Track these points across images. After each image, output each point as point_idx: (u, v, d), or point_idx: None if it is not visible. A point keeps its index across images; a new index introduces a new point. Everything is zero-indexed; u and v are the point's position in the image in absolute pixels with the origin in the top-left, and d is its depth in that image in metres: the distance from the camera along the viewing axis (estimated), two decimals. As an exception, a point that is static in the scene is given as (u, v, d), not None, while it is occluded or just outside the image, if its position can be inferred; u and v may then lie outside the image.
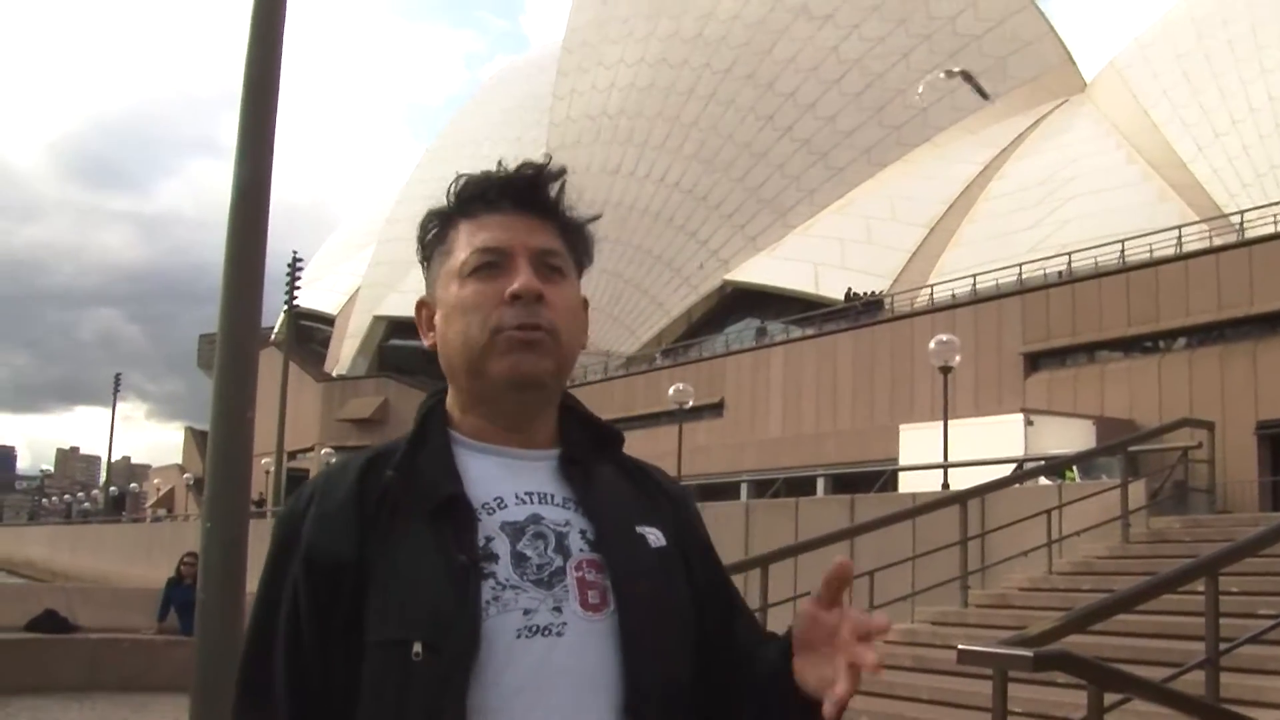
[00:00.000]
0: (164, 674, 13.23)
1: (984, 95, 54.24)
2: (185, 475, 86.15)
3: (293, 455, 60.08)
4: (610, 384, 54.16)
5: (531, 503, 1.84)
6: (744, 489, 34.08)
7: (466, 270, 1.88)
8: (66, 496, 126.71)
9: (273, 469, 47.95)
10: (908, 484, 26.45)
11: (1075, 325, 34.58)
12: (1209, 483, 19.05)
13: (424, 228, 1.99)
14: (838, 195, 58.72)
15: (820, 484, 33.83)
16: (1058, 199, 49.09)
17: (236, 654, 1.92)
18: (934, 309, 40.90)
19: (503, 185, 1.93)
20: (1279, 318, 29.76)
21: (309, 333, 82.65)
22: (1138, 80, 54.55)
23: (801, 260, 55.21)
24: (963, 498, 15.48)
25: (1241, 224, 37.50)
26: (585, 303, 2.01)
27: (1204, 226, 38.97)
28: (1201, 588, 9.02)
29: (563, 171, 1.97)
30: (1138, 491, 16.68)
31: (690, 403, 38.46)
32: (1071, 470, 21.84)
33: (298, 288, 55.06)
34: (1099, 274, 35.88)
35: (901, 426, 33.14)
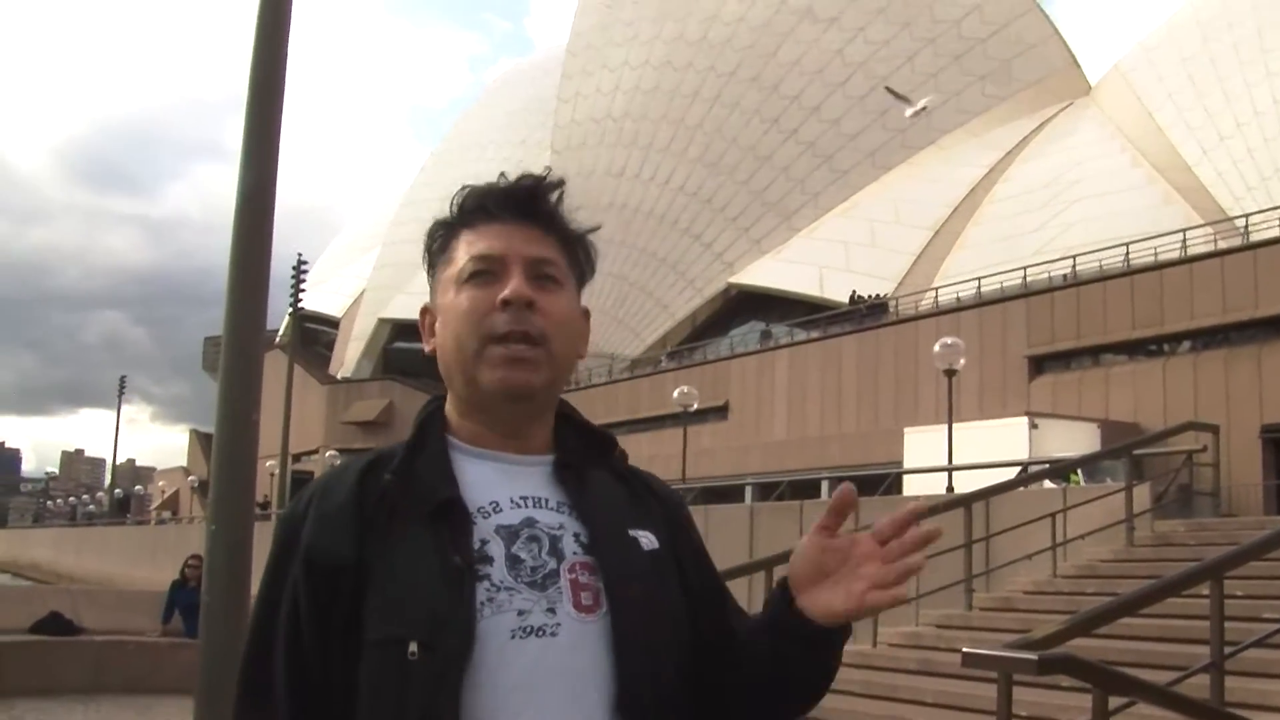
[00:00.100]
0: (169, 676, 13.22)
1: (909, 103, 54.24)
2: (190, 478, 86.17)
3: (297, 458, 60.15)
4: (615, 386, 54.17)
5: (526, 507, 1.87)
6: (748, 492, 34.11)
7: (463, 277, 1.93)
8: (71, 499, 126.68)
9: (277, 471, 47.98)
10: (912, 487, 26.47)
11: (1080, 328, 34.55)
12: (1214, 486, 19.06)
13: (430, 236, 2.03)
14: (842, 198, 58.70)
15: (825, 487, 33.84)
16: (1062, 202, 49.04)
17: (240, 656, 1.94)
18: (938, 312, 40.88)
19: (502, 196, 1.97)
20: (1284, 321, 29.76)
21: (314, 335, 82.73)
22: (1143, 83, 54.50)
23: (806, 263, 55.19)
24: (967, 501, 15.46)
25: (1246, 227, 37.46)
26: (586, 313, 2.04)
27: (1209, 230, 38.95)
28: (1206, 591, 9.01)
29: (562, 183, 2.01)
30: (1142, 495, 16.68)
31: (695, 405, 38.46)
32: (1076, 473, 21.84)
33: (303, 290, 55.09)
34: (1104, 277, 35.85)
35: (906, 429, 33.13)
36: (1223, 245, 35.75)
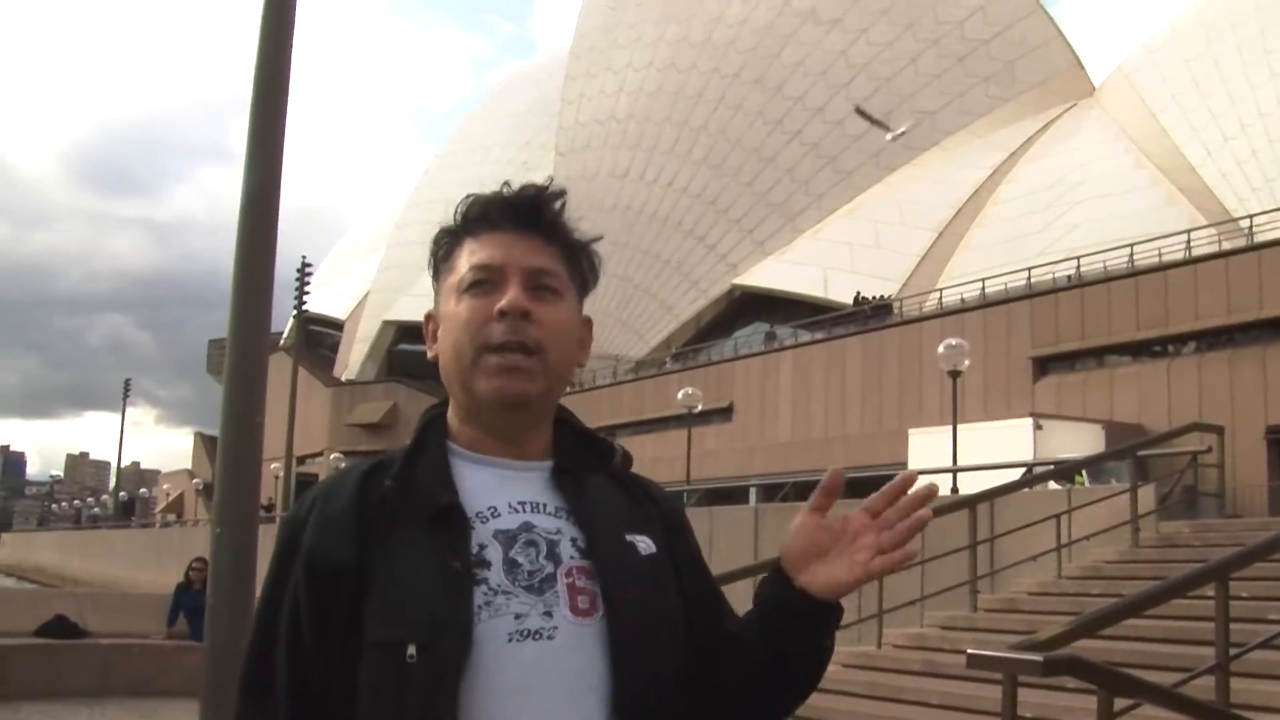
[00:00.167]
0: (174, 679, 13.23)
1: (886, 128, 54.24)
2: (194, 480, 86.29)
3: (302, 460, 60.14)
4: (619, 388, 54.16)
5: (524, 511, 1.90)
6: (753, 493, 34.14)
7: (463, 286, 1.96)
8: (76, 502, 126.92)
9: (282, 474, 48.03)
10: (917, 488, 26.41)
11: (1084, 329, 34.53)
12: (1219, 487, 19.04)
13: (436, 242, 2.06)
14: (846, 199, 58.66)
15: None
16: (1066, 203, 49.01)
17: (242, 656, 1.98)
18: (943, 313, 40.85)
19: (504, 205, 2.00)
20: (1289, 322, 29.74)
21: (318, 338, 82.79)
22: (1146, 84, 54.45)
23: (810, 264, 55.17)
24: (972, 502, 15.47)
25: (1251, 228, 37.41)
26: (588, 321, 2.08)
27: (1213, 231, 38.92)
28: (1211, 592, 9.00)
29: (564, 193, 2.03)
30: (1147, 496, 16.67)
31: (699, 407, 38.50)
32: (1080, 475, 21.82)
33: (307, 293, 55.18)
34: (1108, 278, 35.82)
35: (910, 431, 33.12)
36: (1227, 246, 35.71)
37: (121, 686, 13.93)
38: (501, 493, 1.91)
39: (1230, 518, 19.20)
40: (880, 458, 34.05)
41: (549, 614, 1.80)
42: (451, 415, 2.01)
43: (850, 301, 49.69)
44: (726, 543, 21.97)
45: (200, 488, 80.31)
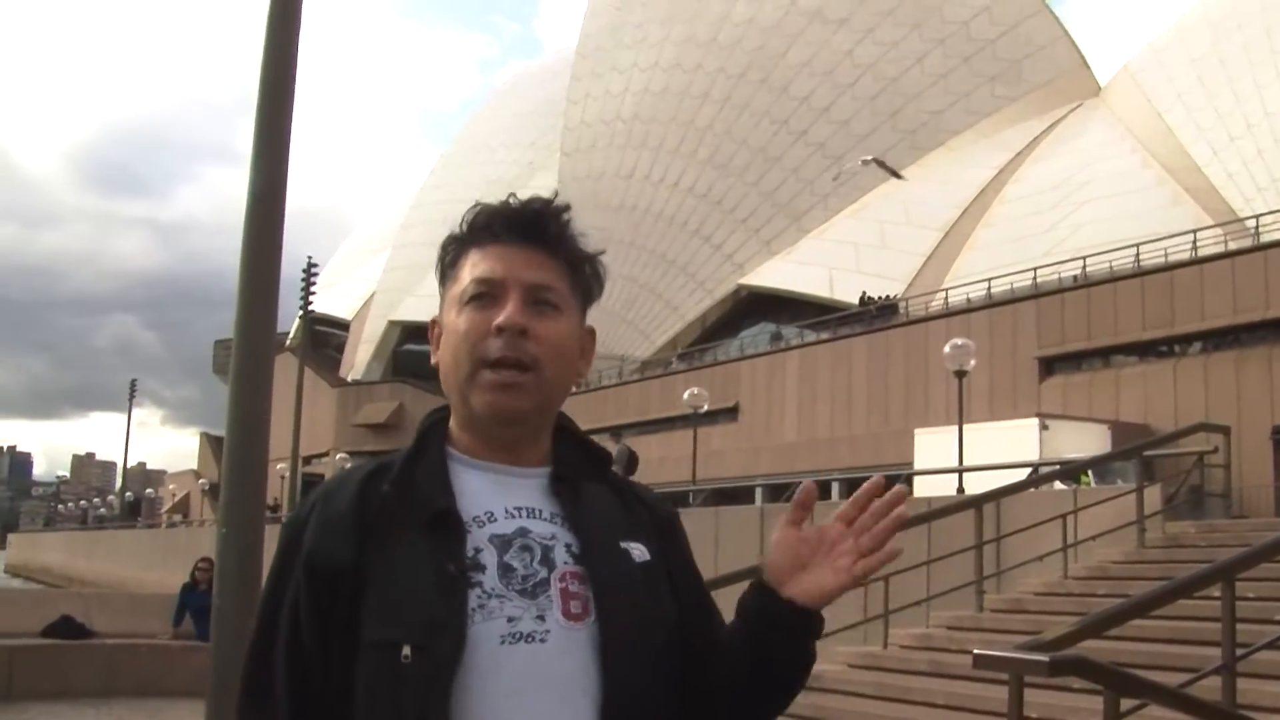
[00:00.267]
0: (180, 679, 13.25)
1: (896, 175, 54.25)
2: (200, 481, 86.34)
3: (308, 460, 60.20)
4: (625, 388, 54.16)
5: (520, 517, 1.94)
6: (759, 493, 34.09)
7: (465, 298, 1.99)
8: (82, 502, 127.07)
9: (288, 474, 48.01)
10: (923, 488, 26.39)
11: (1090, 329, 34.50)
12: (1225, 487, 19.03)
13: (443, 249, 2.08)
14: (852, 199, 58.57)
15: (835, 488, 33.84)
16: (1072, 203, 48.98)
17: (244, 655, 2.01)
18: (948, 313, 40.81)
19: (508, 219, 2.02)
20: (1295, 321, 29.70)
21: (324, 338, 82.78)
22: (1152, 84, 54.41)
23: (816, 264, 55.16)
24: (978, 502, 15.47)
25: (1257, 228, 37.38)
26: (591, 332, 2.11)
27: (1219, 231, 38.86)
28: (1218, 593, 8.99)
29: (568, 208, 2.06)
30: (1153, 496, 16.65)
31: (705, 407, 38.47)
32: (1087, 475, 21.80)
33: (313, 293, 55.10)
34: (1114, 278, 35.79)
35: (916, 431, 33.09)
36: (1233, 246, 35.66)
37: (128, 687, 13.96)
38: (498, 498, 1.95)
39: (1236, 518, 19.20)
40: (886, 458, 34.04)
41: (542, 618, 1.84)
42: (453, 421, 2.04)
43: (856, 301, 49.66)
44: (732, 543, 21.95)
45: (206, 488, 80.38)
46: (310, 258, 55.99)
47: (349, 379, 79.70)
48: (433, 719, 1.75)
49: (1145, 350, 33.89)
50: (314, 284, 55.25)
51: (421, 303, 70.95)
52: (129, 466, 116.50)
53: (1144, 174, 49.08)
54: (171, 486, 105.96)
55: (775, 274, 57.57)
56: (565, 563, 1.90)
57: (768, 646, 1.95)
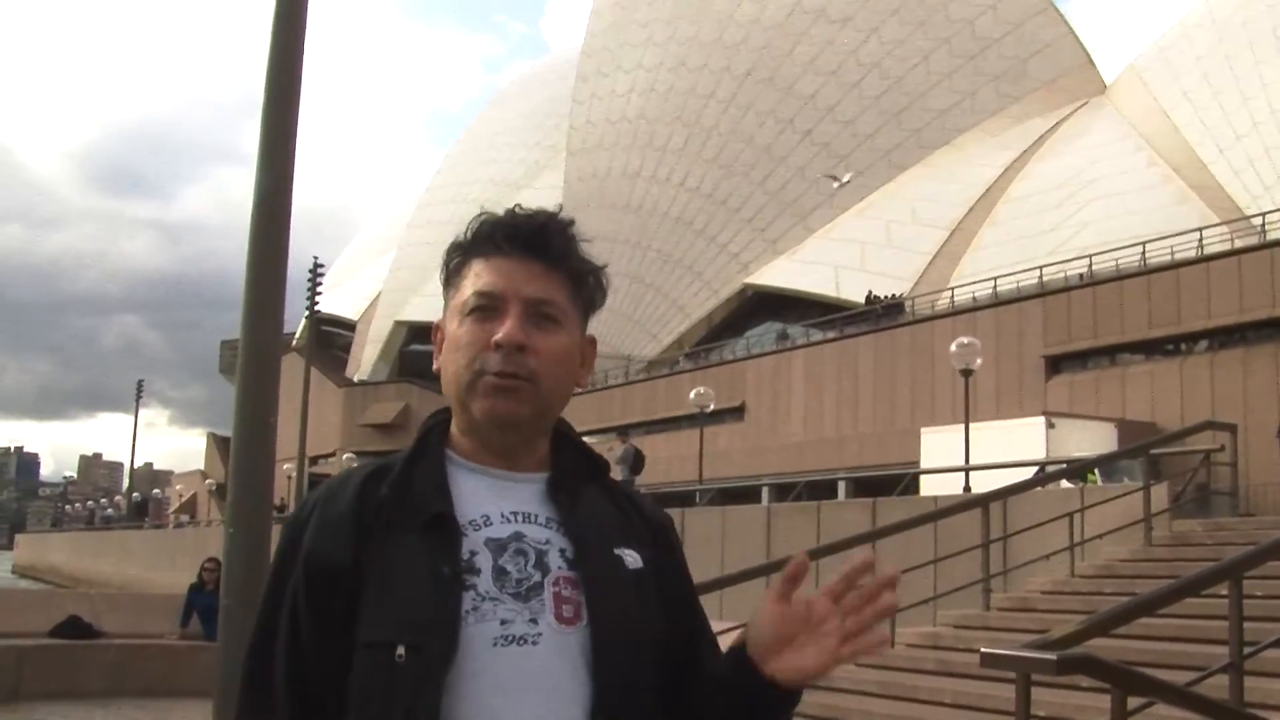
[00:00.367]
0: (187, 679, 13.24)
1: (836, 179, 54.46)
2: (207, 481, 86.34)
3: (315, 460, 60.30)
4: (631, 388, 54.19)
5: (516, 521, 1.96)
6: (765, 493, 34.07)
7: (466, 310, 2.00)
8: (90, 503, 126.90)
9: (295, 474, 48.08)
10: (929, 487, 26.43)
11: (1096, 328, 34.49)
12: (1232, 485, 18.98)
13: (448, 255, 2.09)
14: (857, 198, 58.61)
15: (841, 487, 33.82)
16: (1078, 201, 48.96)
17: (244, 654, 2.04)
18: (954, 312, 40.83)
19: (510, 231, 2.03)
20: (1301, 319, 29.68)
21: (330, 338, 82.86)
22: (1158, 82, 54.39)
23: (822, 263, 55.17)
24: (984, 501, 15.45)
25: (1263, 226, 37.38)
26: (591, 341, 2.12)
27: (1225, 229, 38.86)
28: (1225, 591, 8.98)
29: (571, 223, 2.07)
30: (1160, 494, 16.63)
31: (711, 406, 38.47)
32: (1093, 473, 21.79)
33: (319, 293, 55.14)
34: (1120, 276, 35.79)
35: (923, 430, 33.10)
36: (1239, 244, 35.67)
37: (135, 687, 13.96)
38: (495, 502, 1.97)
39: (1243, 516, 19.15)
40: (892, 457, 34.06)
41: (534, 621, 1.86)
42: (453, 424, 2.06)
43: (862, 300, 49.67)
44: (739, 542, 21.98)
45: (213, 488, 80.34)
46: (316, 258, 56.06)
47: (355, 379, 79.79)
48: (424, 717, 1.77)
49: (1151, 348, 33.89)
50: (320, 284, 55.28)
51: (427, 303, 70.91)
52: (136, 467, 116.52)
53: (1150, 172, 49.05)
54: (178, 487, 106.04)
55: (781, 273, 57.59)
56: (559, 567, 1.91)
57: (746, 714, 1.96)
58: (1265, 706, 8.72)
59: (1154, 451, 18.39)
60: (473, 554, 1.88)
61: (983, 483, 21.24)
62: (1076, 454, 24.65)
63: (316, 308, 55.76)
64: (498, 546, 1.91)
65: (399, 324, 78.39)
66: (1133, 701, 7.05)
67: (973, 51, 62.03)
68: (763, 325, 57.85)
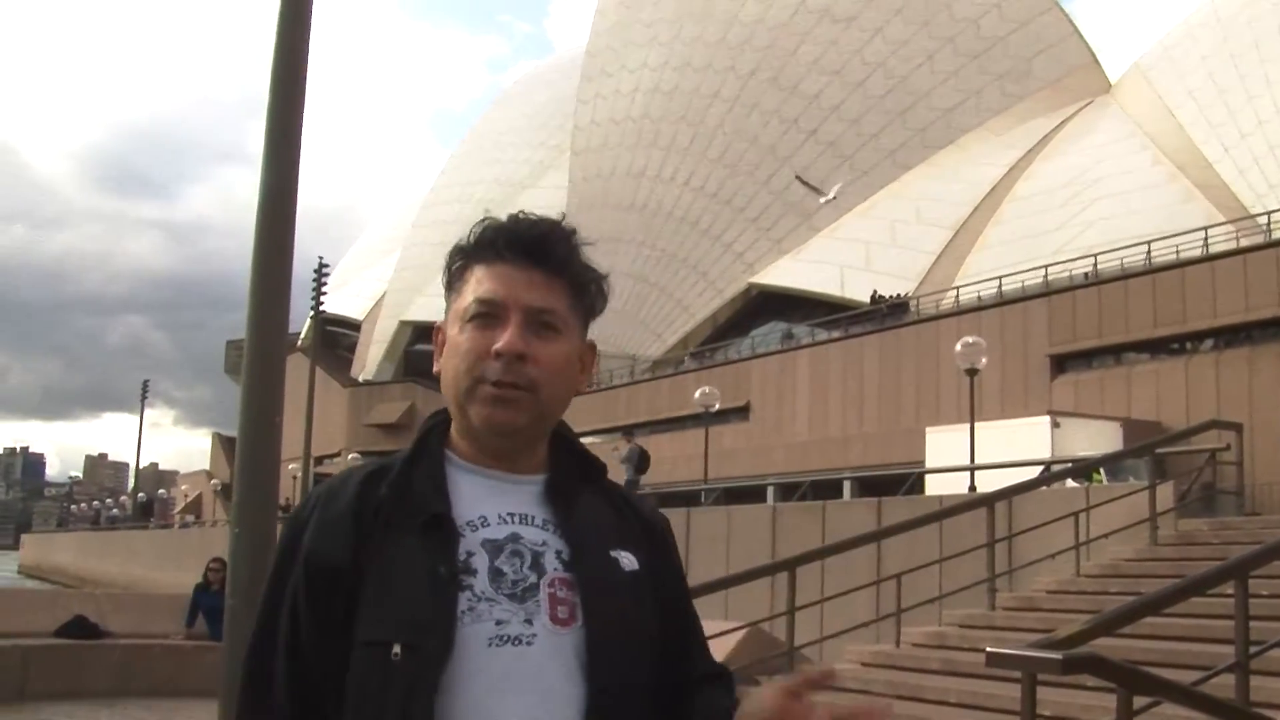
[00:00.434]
0: (193, 679, 13.26)
1: (821, 192, 54.51)
2: (213, 481, 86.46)
3: (320, 460, 60.26)
4: (636, 387, 54.17)
5: (513, 523, 1.98)
6: (770, 492, 34.07)
7: (467, 316, 2.02)
8: (95, 503, 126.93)
9: (300, 474, 48.11)
10: (934, 487, 26.41)
11: (1101, 327, 34.45)
12: (1237, 485, 18.95)
13: (450, 258, 2.10)
14: (862, 198, 58.58)
15: (847, 487, 33.83)
16: (1083, 200, 48.90)
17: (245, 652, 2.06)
18: (960, 311, 40.79)
19: (512, 238, 2.04)
20: (1307, 318, 29.64)
21: (335, 338, 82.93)
22: (1163, 81, 54.35)
23: (826, 263, 55.11)
24: (990, 500, 15.44)
25: (1269, 224, 37.34)
26: (592, 346, 2.14)
27: (1230, 227, 38.80)
28: (1231, 590, 8.98)
29: (573, 232, 2.08)
30: (1165, 494, 16.61)
31: (716, 406, 38.46)
32: (1099, 472, 21.78)
33: (324, 293, 55.20)
34: (1125, 275, 35.76)
35: (928, 429, 33.08)
36: (1245, 243, 35.61)
37: (141, 687, 13.97)
38: (492, 503, 1.99)
39: (1249, 515, 19.12)
40: (897, 456, 34.05)
41: (529, 621, 1.89)
42: (453, 426, 2.07)
43: (867, 300, 49.62)
44: (744, 542, 21.97)
45: (218, 488, 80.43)
46: (322, 258, 56.16)
47: (360, 379, 79.83)
48: (418, 714, 1.80)
49: (1157, 347, 33.85)
50: (325, 284, 55.37)
51: (432, 303, 70.80)
52: (141, 467, 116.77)
53: (1155, 171, 48.99)
54: (184, 487, 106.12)
55: (786, 273, 57.55)
56: (555, 569, 1.94)
57: None
58: (1271, 706, 8.70)
59: (1159, 451, 18.36)
60: (469, 554, 1.91)
61: (988, 482, 21.23)
62: (1082, 453, 24.63)
63: (322, 308, 55.85)
64: (494, 547, 1.93)
65: (404, 324, 78.38)
66: (1138, 701, 7.05)
67: (977, 50, 61.97)
68: (767, 325, 57.79)
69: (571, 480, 2.07)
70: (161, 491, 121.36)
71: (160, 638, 15.38)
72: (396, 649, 1.82)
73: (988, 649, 7.32)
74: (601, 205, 64.12)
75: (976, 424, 26.39)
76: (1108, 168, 50.26)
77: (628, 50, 71.12)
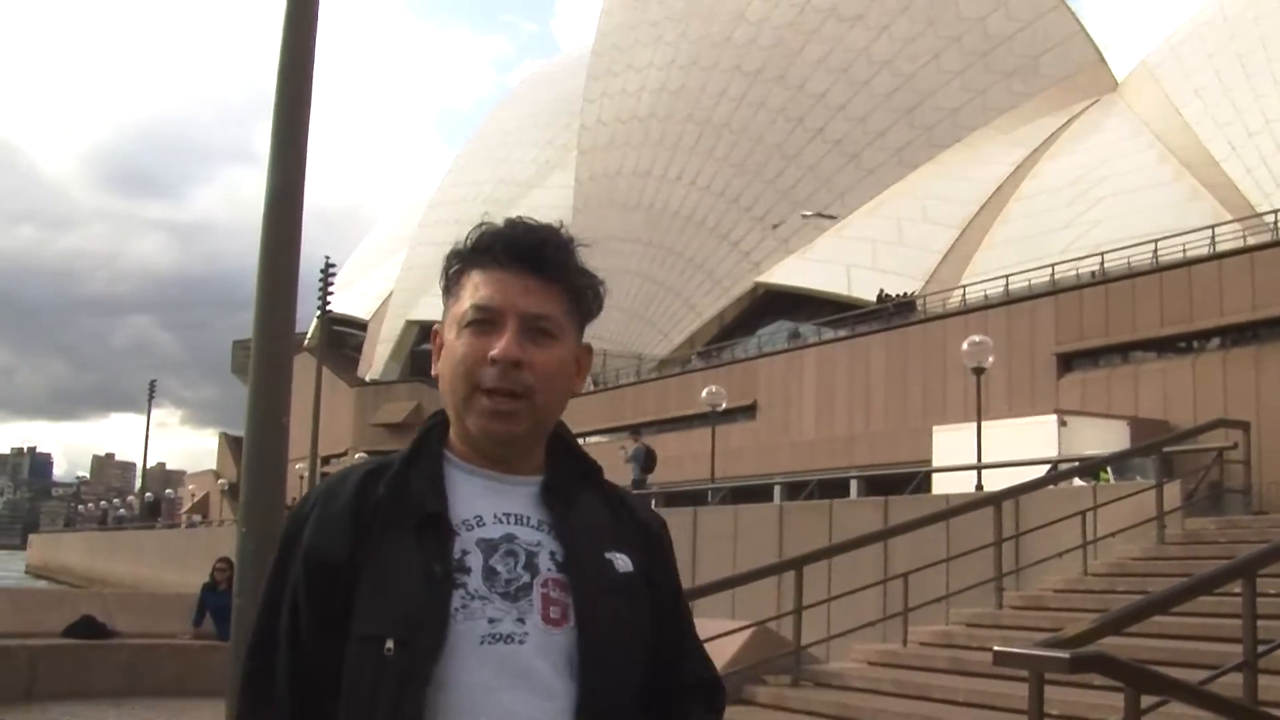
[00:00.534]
0: (201, 679, 13.27)
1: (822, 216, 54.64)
2: (220, 481, 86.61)
3: (327, 460, 60.27)
4: (643, 386, 54.16)
5: (508, 523, 2.02)
6: (777, 491, 34.04)
7: (464, 321, 2.05)
8: (102, 503, 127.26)
9: (307, 474, 48.12)
10: (941, 486, 26.37)
11: (1108, 325, 34.40)
12: (1244, 483, 18.93)
13: (447, 261, 2.13)
14: (869, 196, 58.53)
15: (853, 486, 33.77)
16: (1090, 199, 48.84)
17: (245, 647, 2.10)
18: (966, 310, 40.74)
19: (510, 244, 2.06)
20: (1314, 317, 29.57)
21: (342, 338, 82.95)
22: (1169, 79, 54.25)
23: (833, 262, 55.04)
24: (997, 499, 15.42)
25: (1276, 223, 37.26)
26: (588, 349, 2.17)
27: (1237, 226, 38.73)
28: (1238, 589, 8.96)
29: (571, 240, 2.10)
30: (1173, 492, 16.60)
31: (723, 405, 38.43)
32: (1106, 471, 21.74)
33: (331, 293, 55.23)
34: (1132, 274, 35.70)
35: (935, 428, 33.03)
36: (1252, 241, 35.56)
37: (149, 687, 13.99)
38: (489, 503, 2.02)
39: (1257, 514, 19.11)
40: (904, 455, 33.99)
41: (522, 620, 1.92)
42: (451, 428, 2.10)
43: (874, 299, 49.59)
44: (751, 541, 21.95)
45: (225, 488, 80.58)
46: (328, 258, 56.17)
47: (367, 379, 79.90)
48: (409, 709, 1.83)
49: (1164, 346, 33.80)
50: (332, 284, 55.39)
51: (439, 302, 69.24)
52: (148, 467, 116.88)
53: (1161, 169, 48.91)
54: (191, 487, 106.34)
55: (793, 272, 57.48)
56: (548, 569, 1.97)
57: None
58: (1279, 705, 8.69)
59: (1167, 449, 18.36)
60: (464, 553, 1.94)
61: (995, 481, 21.18)
62: (1089, 452, 24.57)
63: (328, 307, 55.87)
64: (489, 547, 1.97)
65: (410, 323, 78.40)
66: (1146, 700, 7.03)
67: (984, 49, 61.89)
68: (774, 324, 57.78)
69: (569, 482, 2.09)
70: (169, 491, 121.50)
71: (168, 637, 15.41)
72: (389, 644, 1.86)
73: (995, 648, 7.32)
74: (608, 204, 64.16)
75: (983, 423, 26.37)
76: (1114, 166, 50.18)
77: (634, 49, 71.11)
